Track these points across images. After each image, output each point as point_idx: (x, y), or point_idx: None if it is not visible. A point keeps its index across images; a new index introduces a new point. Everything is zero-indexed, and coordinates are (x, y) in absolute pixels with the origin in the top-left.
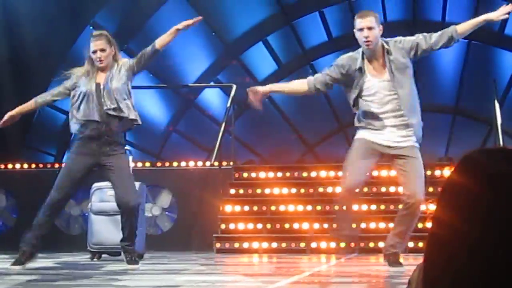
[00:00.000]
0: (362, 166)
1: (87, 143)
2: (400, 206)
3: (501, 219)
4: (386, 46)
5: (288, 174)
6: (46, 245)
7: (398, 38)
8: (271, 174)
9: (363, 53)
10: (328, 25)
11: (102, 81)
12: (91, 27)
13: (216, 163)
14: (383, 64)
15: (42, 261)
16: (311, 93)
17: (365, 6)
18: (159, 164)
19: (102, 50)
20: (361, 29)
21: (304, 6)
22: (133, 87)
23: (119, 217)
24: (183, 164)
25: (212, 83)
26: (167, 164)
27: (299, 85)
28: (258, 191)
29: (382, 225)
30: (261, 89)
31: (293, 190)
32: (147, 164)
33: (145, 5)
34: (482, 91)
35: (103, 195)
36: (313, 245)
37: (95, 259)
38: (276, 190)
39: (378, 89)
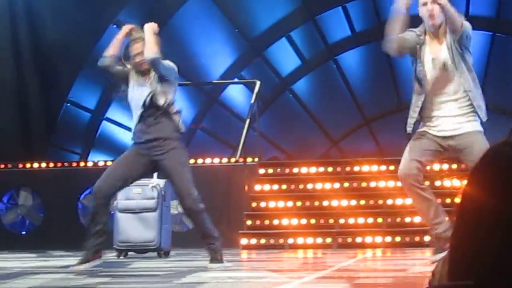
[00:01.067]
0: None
1: None
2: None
3: None
4: None
5: (314, 169)
6: (73, 243)
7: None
8: (296, 170)
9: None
10: (351, 19)
11: None
12: (114, 26)
13: (241, 160)
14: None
15: (68, 259)
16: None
17: (388, 0)
18: None
19: None
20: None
21: (327, 1)
22: None
23: (144, 214)
24: (208, 161)
25: (236, 80)
26: (192, 161)
27: None
28: (284, 186)
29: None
30: None
31: (319, 186)
32: None
33: (168, 2)
34: (507, 84)
35: (129, 193)
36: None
37: (121, 257)
38: (301, 186)
39: None
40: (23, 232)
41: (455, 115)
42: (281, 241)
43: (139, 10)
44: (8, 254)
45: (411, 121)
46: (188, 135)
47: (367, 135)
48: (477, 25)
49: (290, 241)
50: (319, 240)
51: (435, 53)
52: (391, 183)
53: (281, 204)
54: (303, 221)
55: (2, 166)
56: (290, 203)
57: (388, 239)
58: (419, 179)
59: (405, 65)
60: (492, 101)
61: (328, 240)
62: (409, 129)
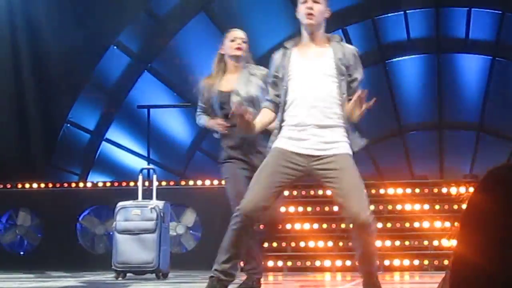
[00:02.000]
0: None
1: None
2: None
3: None
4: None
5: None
6: (71, 264)
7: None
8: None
9: None
10: (351, 42)
11: None
12: (115, 47)
13: None
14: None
15: (67, 281)
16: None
17: (387, 23)
18: (183, 183)
19: None
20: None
21: (327, 24)
22: (157, 106)
23: (143, 236)
24: (207, 182)
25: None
26: (191, 182)
27: None
28: (309, 209)
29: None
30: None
31: (309, 209)
32: (171, 183)
33: (169, 24)
34: (506, 109)
35: (127, 214)
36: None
37: (120, 278)
38: (301, 208)
39: None
40: (22, 253)
41: None
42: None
43: (139, 31)
44: (6, 274)
45: None
46: (188, 157)
47: (367, 158)
48: (476, 49)
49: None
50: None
51: None
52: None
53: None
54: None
55: (1, 186)
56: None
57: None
58: None
59: (406, 88)
60: (492, 125)
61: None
62: None
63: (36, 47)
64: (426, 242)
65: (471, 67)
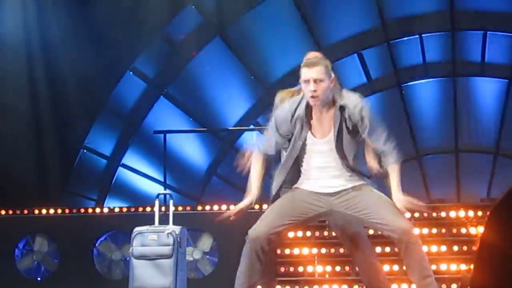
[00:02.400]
0: None
1: None
2: None
3: None
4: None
5: None
6: None
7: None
8: None
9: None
10: (367, 66)
11: None
12: (131, 72)
13: (257, 206)
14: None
15: None
16: None
17: (403, 47)
18: (199, 207)
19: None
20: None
21: (342, 48)
22: (174, 131)
23: (160, 261)
24: (223, 207)
25: (252, 126)
26: (207, 207)
27: None
28: (300, 233)
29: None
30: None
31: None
32: (188, 208)
33: (184, 49)
34: None
35: (144, 239)
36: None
37: None
38: (317, 233)
39: None
40: (39, 279)
41: None
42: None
43: (155, 57)
44: None
45: None
46: (204, 182)
47: (382, 182)
48: (492, 72)
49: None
50: None
51: None
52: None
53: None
54: (328, 268)
55: (18, 211)
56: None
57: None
58: None
59: (422, 112)
60: (509, 148)
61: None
62: None
63: (52, 73)
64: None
65: (487, 90)
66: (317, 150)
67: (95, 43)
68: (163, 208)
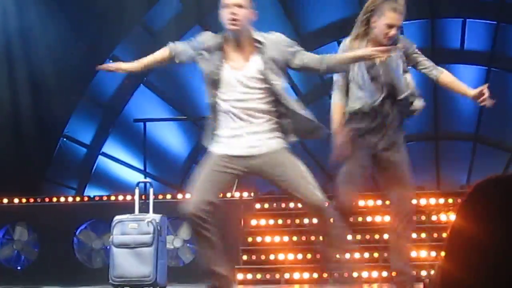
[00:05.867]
0: None
1: None
2: None
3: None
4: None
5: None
6: (68, 279)
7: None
8: (292, 204)
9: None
10: None
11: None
12: (110, 60)
13: (237, 194)
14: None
15: None
16: None
17: None
18: (180, 196)
19: None
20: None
21: (322, 36)
22: (154, 120)
23: (140, 249)
24: None
25: None
26: (188, 196)
27: None
28: (280, 221)
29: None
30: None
31: (315, 220)
32: (168, 196)
33: (164, 37)
34: (503, 119)
35: (124, 228)
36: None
37: None
38: (298, 220)
39: None
40: (19, 268)
41: None
42: (278, 276)
43: (135, 45)
44: None
45: None
46: (184, 170)
47: None
48: (472, 60)
49: (287, 276)
50: (315, 275)
51: None
52: (387, 218)
53: (277, 239)
54: (299, 256)
55: None
56: (286, 238)
57: (385, 274)
58: None
59: None
60: (488, 136)
61: (324, 275)
62: None
63: (31, 61)
64: (414, 253)
65: (467, 78)
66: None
67: (75, 31)
68: (143, 197)
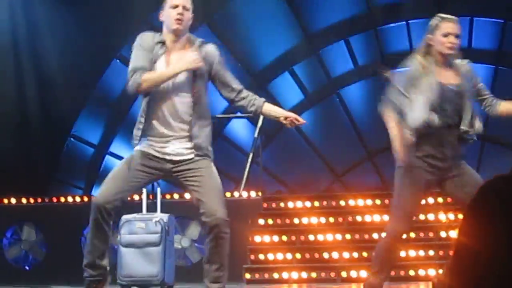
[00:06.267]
0: None
1: None
2: None
3: None
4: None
5: (317, 203)
6: (76, 279)
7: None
8: (299, 204)
9: None
10: (354, 53)
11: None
12: (117, 60)
13: (245, 194)
14: None
15: None
16: None
17: (390, 34)
18: (187, 195)
19: None
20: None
21: (329, 35)
22: None
23: (148, 249)
24: None
25: (239, 114)
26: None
27: None
28: (287, 221)
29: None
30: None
31: (323, 220)
32: (176, 195)
33: None
34: (511, 118)
35: (132, 227)
36: (344, 274)
37: None
38: (305, 220)
39: None
40: (27, 267)
41: None
42: (285, 275)
43: None
44: None
45: None
46: None
47: (371, 169)
48: (479, 58)
49: (294, 275)
50: (323, 274)
51: None
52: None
53: (285, 238)
54: (307, 256)
55: (6, 201)
56: (293, 237)
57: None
58: None
59: None
60: (495, 134)
61: (332, 274)
62: None
63: (39, 61)
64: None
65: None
66: None
67: (82, 31)
68: (151, 196)
